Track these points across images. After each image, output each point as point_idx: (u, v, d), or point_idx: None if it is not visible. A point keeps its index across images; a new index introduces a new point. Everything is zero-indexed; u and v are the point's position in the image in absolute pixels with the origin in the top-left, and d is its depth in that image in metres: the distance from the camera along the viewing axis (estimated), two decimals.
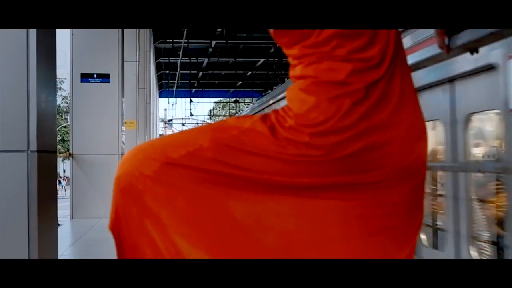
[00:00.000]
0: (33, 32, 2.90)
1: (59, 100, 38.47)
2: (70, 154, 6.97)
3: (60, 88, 37.22)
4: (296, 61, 1.19)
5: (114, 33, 7.10)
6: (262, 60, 25.93)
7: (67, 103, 36.86)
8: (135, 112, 11.73)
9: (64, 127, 37.38)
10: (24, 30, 2.87)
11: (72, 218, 7.00)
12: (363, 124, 1.11)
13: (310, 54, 1.16)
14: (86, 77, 7.00)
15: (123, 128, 7.32)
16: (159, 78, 34.45)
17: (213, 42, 23.18)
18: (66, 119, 37.63)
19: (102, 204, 7.02)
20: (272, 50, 22.17)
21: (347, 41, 1.14)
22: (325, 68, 1.14)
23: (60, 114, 39.49)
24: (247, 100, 39.32)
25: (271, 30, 1.21)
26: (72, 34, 6.96)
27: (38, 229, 2.90)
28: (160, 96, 39.27)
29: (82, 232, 5.97)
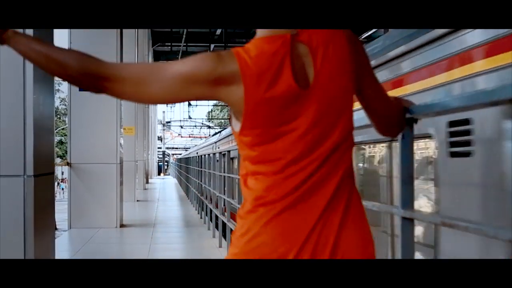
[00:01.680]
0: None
1: (57, 102, 38.40)
2: (68, 163, 6.91)
3: (58, 90, 37.19)
4: (252, 167, 1.10)
5: (113, 38, 7.04)
6: None
7: (65, 105, 36.79)
8: (133, 117, 11.66)
9: (63, 129, 37.34)
10: (21, 60, 2.82)
11: (70, 228, 6.93)
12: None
13: (268, 161, 1.07)
14: None
15: (122, 131, 7.26)
16: None
17: (212, 46, 23.18)
18: (64, 121, 37.59)
19: (100, 214, 6.95)
20: None
21: (311, 152, 1.06)
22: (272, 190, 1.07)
23: (58, 116, 39.45)
24: None
25: (236, 129, 1.10)
26: (70, 42, 6.89)
27: (35, 252, 2.84)
28: None
29: (81, 244, 5.91)
